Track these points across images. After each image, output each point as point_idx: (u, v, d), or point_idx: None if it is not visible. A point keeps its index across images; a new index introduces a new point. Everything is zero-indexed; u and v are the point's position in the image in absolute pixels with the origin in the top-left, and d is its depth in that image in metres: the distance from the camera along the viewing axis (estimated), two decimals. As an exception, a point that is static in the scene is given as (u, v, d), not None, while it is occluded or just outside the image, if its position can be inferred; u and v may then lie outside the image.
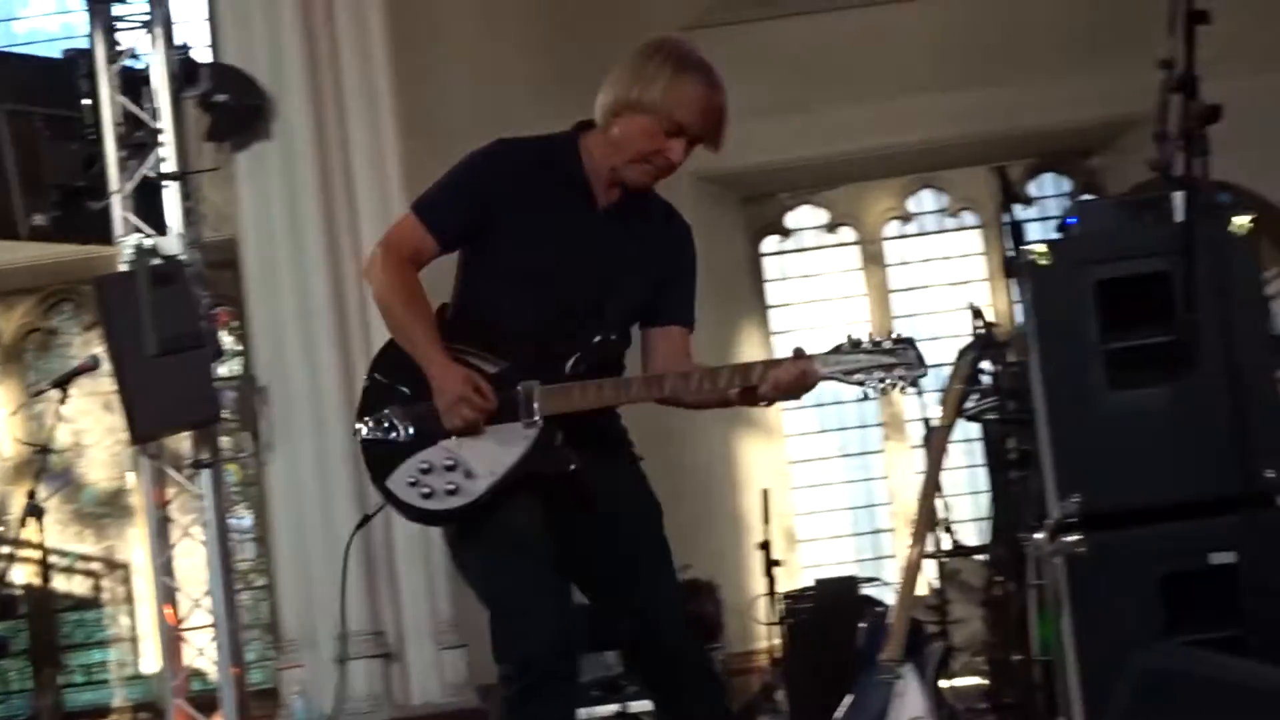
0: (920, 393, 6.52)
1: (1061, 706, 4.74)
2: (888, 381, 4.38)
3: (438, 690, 9.95)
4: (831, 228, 14.89)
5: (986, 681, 6.84)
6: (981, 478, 6.11)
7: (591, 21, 14.07)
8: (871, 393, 4.50)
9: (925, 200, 14.87)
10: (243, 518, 11.63)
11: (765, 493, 9.76)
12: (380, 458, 4.54)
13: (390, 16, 10.74)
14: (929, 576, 6.97)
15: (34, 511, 6.08)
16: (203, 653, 9.85)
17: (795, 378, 4.31)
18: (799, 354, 4.31)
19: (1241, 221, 4.37)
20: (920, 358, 4.43)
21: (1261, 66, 12.72)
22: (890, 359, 4.31)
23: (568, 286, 4.57)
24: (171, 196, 9.50)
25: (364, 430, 4.56)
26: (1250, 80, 12.12)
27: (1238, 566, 4.13)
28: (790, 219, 14.87)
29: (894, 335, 4.39)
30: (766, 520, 9.23)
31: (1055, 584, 4.56)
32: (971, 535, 6.72)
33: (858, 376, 4.35)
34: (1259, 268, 4.46)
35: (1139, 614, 4.21)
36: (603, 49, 15.20)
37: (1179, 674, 3.36)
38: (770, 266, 14.82)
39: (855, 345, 4.36)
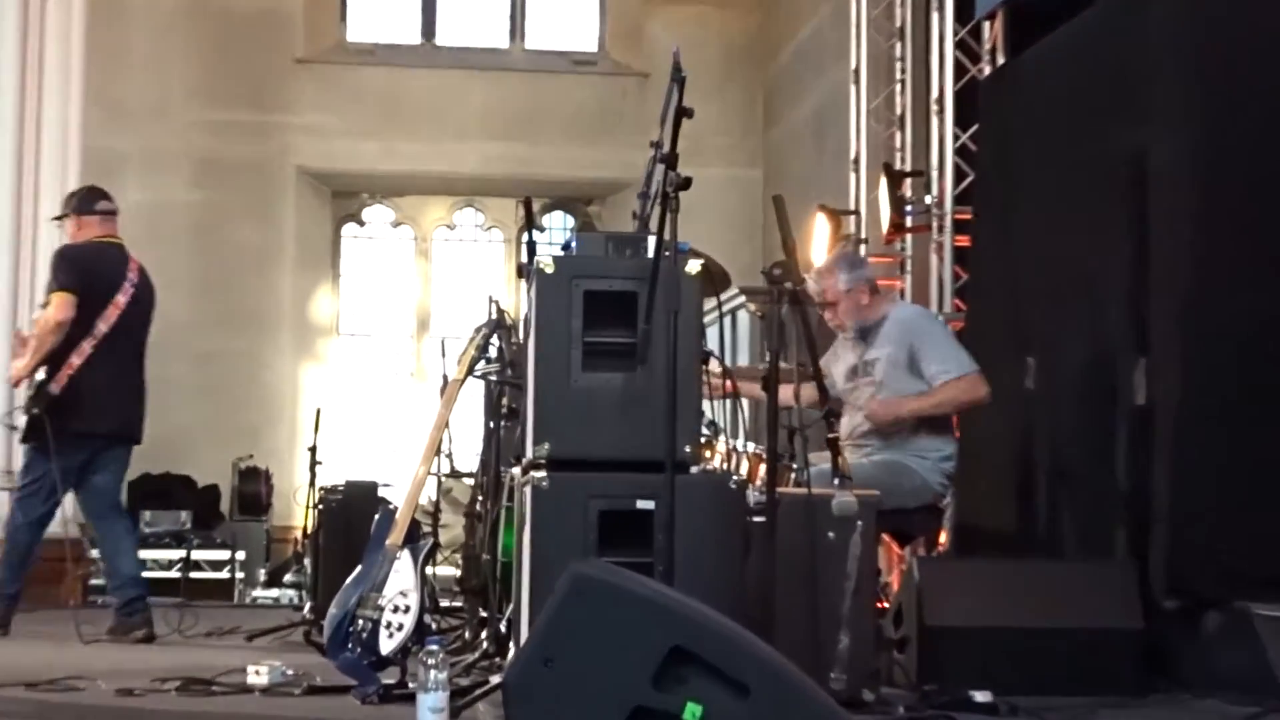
0: (444, 353, 6.32)
1: (513, 595, 4.65)
2: None
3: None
4: (395, 225, 14.65)
5: (459, 572, 6.70)
6: (479, 423, 5.93)
7: (239, 45, 13.44)
8: None
9: (467, 216, 14.76)
10: None
11: (319, 410, 9.37)
12: None
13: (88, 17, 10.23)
14: (430, 491, 6.80)
15: None
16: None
17: None
18: None
19: (693, 266, 4.33)
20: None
21: (712, 163, 12.92)
22: None
23: None
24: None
25: None
26: (705, 171, 12.34)
27: (654, 512, 4.08)
28: (366, 214, 14.58)
29: None
30: (317, 430, 8.84)
31: (522, 506, 4.46)
32: (466, 464, 6.53)
33: None
34: (701, 300, 4.42)
35: (579, 535, 4.12)
36: (245, 69, 14.49)
37: (600, 581, 3.26)
38: (346, 247, 14.48)
39: None
